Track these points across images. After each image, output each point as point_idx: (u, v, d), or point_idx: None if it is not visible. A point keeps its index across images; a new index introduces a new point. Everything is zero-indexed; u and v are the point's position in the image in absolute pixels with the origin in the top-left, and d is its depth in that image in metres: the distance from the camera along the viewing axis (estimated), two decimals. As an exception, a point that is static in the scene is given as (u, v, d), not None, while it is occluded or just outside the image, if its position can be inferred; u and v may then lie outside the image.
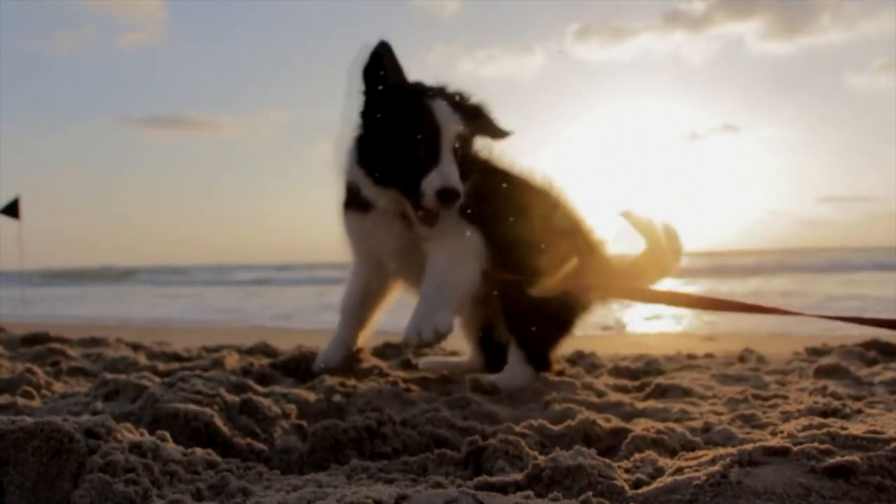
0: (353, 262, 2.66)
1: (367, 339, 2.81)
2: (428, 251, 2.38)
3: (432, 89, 2.30)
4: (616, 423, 1.87)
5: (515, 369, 2.46)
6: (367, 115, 2.31)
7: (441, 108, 2.22)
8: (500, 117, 2.40)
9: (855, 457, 1.22)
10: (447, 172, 2.16)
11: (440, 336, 2.25)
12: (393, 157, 2.24)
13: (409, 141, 2.20)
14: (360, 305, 2.67)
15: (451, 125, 2.21)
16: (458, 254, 2.36)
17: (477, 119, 2.34)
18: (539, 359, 2.52)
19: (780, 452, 1.29)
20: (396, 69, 2.31)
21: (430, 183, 2.16)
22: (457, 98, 2.31)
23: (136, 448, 1.42)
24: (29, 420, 1.37)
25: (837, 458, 1.23)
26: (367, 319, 2.71)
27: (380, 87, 2.26)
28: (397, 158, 2.23)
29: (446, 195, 2.16)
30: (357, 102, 2.33)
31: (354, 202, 2.44)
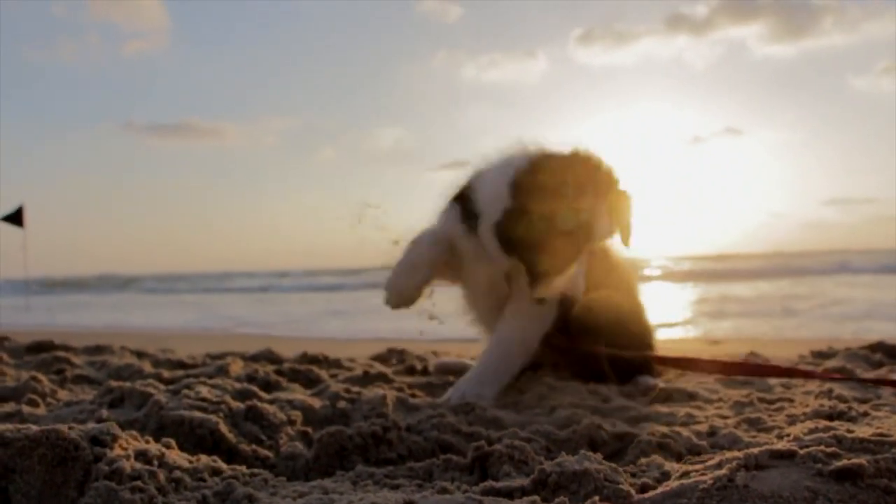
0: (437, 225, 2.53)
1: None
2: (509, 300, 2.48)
3: (585, 180, 2.26)
4: (621, 427, 1.87)
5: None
6: (518, 185, 2.26)
7: (589, 216, 2.23)
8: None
9: (862, 460, 1.22)
10: (575, 279, 2.30)
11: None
12: (531, 240, 2.25)
13: (553, 235, 2.22)
14: (440, 252, 2.46)
15: (594, 237, 2.29)
16: (529, 322, 2.47)
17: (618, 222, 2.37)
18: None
19: (786, 456, 1.29)
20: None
21: (557, 283, 2.27)
22: (607, 198, 2.29)
23: (141, 455, 1.43)
24: (34, 428, 1.38)
25: (844, 461, 1.22)
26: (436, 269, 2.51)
27: (537, 166, 2.26)
28: (535, 243, 2.24)
29: (567, 298, 2.33)
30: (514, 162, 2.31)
31: (465, 215, 2.41)
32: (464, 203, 2.42)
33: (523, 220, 2.24)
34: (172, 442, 1.60)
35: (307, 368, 2.84)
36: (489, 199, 2.33)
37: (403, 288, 2.39)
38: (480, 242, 2.37)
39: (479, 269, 2.48)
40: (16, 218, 12.00)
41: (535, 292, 2.28)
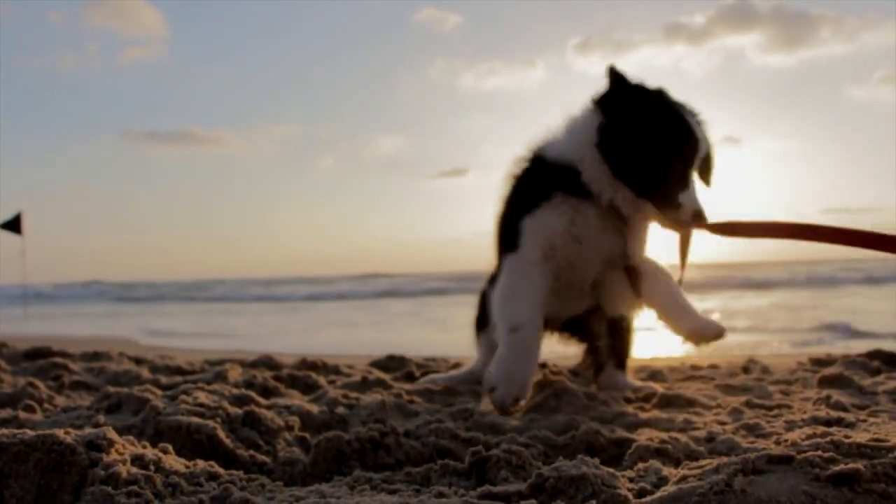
0: (513, 265, 2.30)
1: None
2: (637, 266, 2.37)
3: (684, 106, 2.25)
4: (620, 433, 1.86)
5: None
6: (618, 116, 2.21)
7: (699, 129, 2.22)
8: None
9: (858, 465, 1.22)
10: (698, 194, 2.22)
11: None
12: (650, 167, 2.18)
13: (670, 156, 2.17)
14: (539, 317, 2.22)
15: (704, 147, 2.24)
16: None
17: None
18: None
19: (783, 461, 1.28)
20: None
21: (689, 202, 2.18)
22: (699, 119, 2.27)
23: (137, 460, 1.42)
24: (30, 433, 1.37)
25: (841, 466, 1.22)
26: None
27: (633, 91, 2.22)
28: (654, 170, 2.18)
29: (700, 216, 2.19)
30: (602, 97, 2.26)
31: (567, 187, 2.25)
32: (549, 181, 2.27)
33: (632, 144, 2.17)
34: (169, 447, 1.59)
35: (305, 374, 2.84)
36: (578, 145, 2.25)
37: (516, 378, 2.09)
38: (591, 208, 2.24)
39: (600, 234, 2.28)
40: (14, 225, 11.99)
41: (673, 214, 2.19)
